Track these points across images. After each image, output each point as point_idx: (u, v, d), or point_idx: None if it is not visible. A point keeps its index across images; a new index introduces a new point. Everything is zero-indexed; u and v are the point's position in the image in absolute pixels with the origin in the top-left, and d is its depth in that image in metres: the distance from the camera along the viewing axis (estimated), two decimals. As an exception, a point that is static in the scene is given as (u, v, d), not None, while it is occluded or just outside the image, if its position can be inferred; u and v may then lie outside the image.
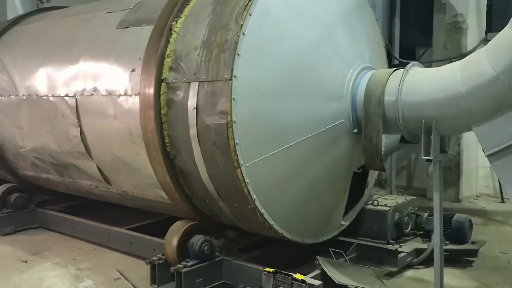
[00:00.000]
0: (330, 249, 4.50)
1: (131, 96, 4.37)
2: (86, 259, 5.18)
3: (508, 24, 3.24)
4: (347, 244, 4.67)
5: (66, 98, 5.07)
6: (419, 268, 4.65)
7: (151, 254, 4.43)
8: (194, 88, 3.85)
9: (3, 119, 6.03)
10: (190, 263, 4.07)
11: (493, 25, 7.24)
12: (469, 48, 7.03)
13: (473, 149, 7.40)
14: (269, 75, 3.77)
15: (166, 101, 4.04)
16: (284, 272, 3.75)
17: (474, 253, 4.81)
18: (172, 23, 4.20)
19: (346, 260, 4.49)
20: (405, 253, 4.59)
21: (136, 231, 5.26)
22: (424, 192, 7.47)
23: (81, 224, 5.84)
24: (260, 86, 3.74)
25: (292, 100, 3.84)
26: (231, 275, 4.22)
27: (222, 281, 4.27)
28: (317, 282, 3.65)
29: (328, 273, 4.04)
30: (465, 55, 3.94)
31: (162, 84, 4.06)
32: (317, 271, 4.07)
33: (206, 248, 4.13)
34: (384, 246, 4.62)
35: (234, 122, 3.59)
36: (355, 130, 4.09)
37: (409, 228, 4.89)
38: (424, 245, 4.74)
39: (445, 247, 4.60)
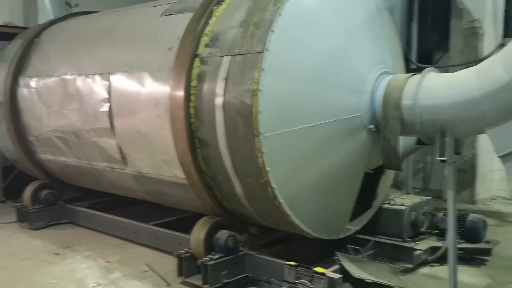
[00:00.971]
0: (348, 245, 4.70)
1: (163, 71, 4.62)
2: (115, 253, 5.45)
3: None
4: (365, 242, 4.87)
5: (98, 75, 5.37)
6: (434, 266, 4.81)
7: (176, 248, 4.66)
8: (226, 61, 4.12)
9: (35, 99, 6.32)
10: (216, 256, 4.30)
11: (509, 31, 7.35)
12: (486, 53, 7.12)
13: (488, 151, 7.48)
14: (298, 56, 4.02)
15: (197, 74, 4.31)
16: (305, 265, 3.96)
17: (488, 252, 4.96)
18: (214, 7, 4.52)
19: (363, 257, 4.69)
20: (421, 251, 4.77)
21: (161, 227, 5.53)
22: (439, 194, 7.55)
23: (109, 220, 6.12)
24: (289, 64, 4.00)
25: (318, 84, 4.07)
26: (254, 268, 4.43)
27: (245, 275, 4.48)
28: (337, 276, 3.85)
29: (347, 268, 4.24)
30: (481, 60, 4.08)
31: (196, 59, 4.34)
32: (336, 266, 4.28)
33: (231, 242, 4.35)
34: (401, 244, 4.81)
35: (260, 91, 3.82)
36: (372, 126, 4.27)
37: (425, 227, 5.06)
38: (439, 244, 4.90)
39: (459, 245, 4.76)
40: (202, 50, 4.34)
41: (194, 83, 4.30)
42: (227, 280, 4.31)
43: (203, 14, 4.48)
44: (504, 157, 3.57)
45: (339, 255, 4.42)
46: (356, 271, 4.23)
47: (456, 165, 3.92)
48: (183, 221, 5.69)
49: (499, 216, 6.71)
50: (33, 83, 6.36)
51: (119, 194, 6.32)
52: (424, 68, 4.21)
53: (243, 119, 3.93)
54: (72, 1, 8.52)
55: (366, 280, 4.13)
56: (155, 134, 4.74)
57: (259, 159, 3.91)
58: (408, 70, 5.65)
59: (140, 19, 5.54)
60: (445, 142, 3.80)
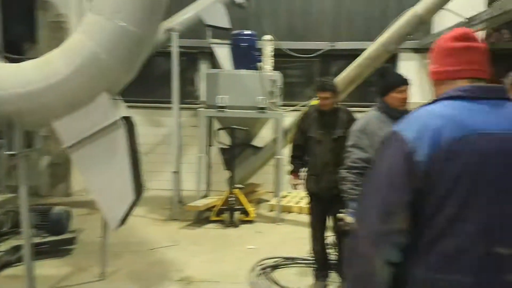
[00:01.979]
0: None
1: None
2: None
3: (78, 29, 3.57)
4: None
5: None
6: (18, 265, 4.58)
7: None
8: None
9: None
10: None
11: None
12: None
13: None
14: None
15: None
16: None
17: (72, 241, 5.08)
18: None
19: None
20: (2, 252, 4.50)
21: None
22: (36, 189, 7.41)
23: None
24: None
25: None
26: None
27: None
28: None
29: None
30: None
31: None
32: None
33: None
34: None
35: None
36: None
37: (8, 227, 4.80)
38: (22, 242, 4.72)
39: (45, 240, 4.73)
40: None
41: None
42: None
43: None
44: (71, 148, 3.68)
45: None
46: None
47: (31, 159, 3.83)
48: None
49: (90, 206, 7.00)
50: None
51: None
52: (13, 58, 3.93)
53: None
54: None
55: None
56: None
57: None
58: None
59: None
60: (13, 135, 3.64)
